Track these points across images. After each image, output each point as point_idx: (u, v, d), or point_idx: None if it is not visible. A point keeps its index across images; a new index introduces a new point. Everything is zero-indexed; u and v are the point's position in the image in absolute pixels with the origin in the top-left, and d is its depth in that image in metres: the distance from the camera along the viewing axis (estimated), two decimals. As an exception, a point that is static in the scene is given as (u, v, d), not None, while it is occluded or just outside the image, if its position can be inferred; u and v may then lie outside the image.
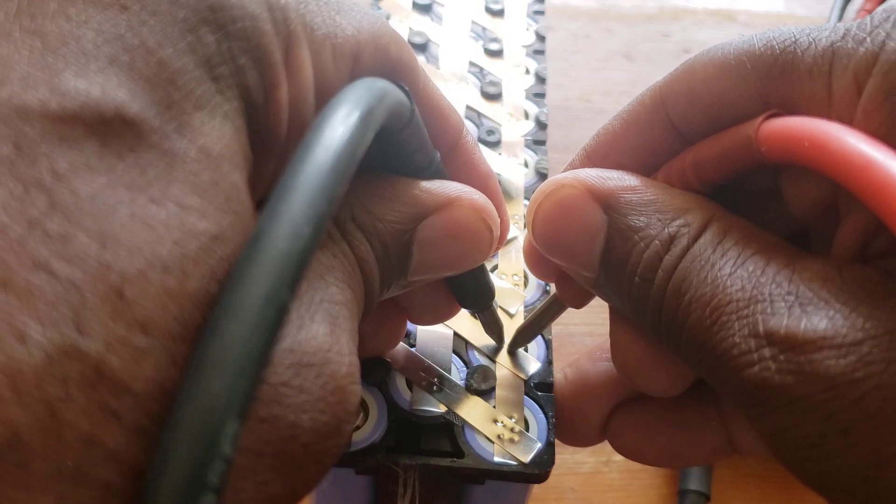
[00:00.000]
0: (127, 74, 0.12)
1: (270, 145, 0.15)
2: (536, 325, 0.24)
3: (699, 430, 0.22)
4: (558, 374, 0.24)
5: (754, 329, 0.15)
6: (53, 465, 0.10)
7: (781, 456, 0.16)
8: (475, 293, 0.22)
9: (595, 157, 0.20)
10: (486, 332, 0.24)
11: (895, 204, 0.13)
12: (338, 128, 0.13)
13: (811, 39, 0.16)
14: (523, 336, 0.24)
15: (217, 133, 0.13)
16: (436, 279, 0.20)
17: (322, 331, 0.14)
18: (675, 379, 0.20)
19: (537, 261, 0.22)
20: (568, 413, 0.23)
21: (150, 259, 0.11)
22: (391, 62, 0.18)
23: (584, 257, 0.19)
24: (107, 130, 0.11)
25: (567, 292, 0.22)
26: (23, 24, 0.12)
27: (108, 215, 0.11)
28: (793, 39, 0.17)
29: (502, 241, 0.22)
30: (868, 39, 0.15)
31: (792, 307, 0.15)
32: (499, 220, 0.19)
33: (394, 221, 0.17)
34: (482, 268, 0.22)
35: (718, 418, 0.21)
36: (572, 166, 0.21)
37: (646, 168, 0.19)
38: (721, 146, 0.18)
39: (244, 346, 0.11)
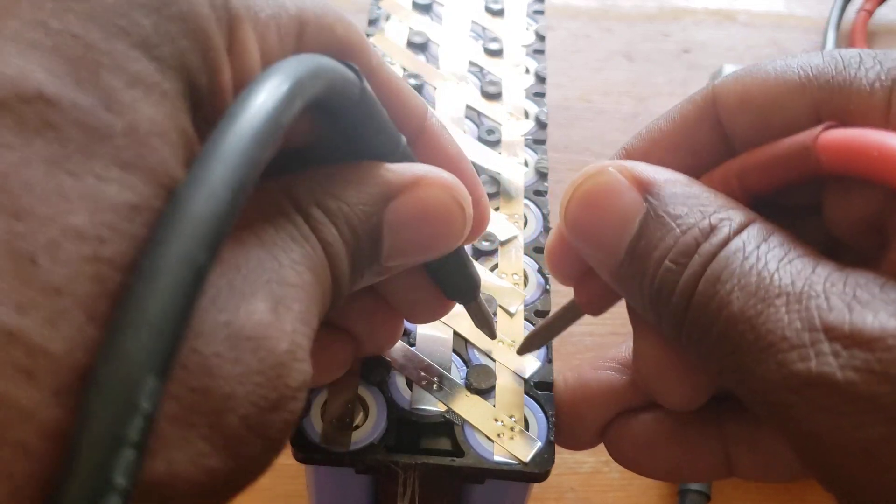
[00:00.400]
0: (48, 57, 0.12)
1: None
2: (550, 330, 0.23)
3: (698, 447, 0.21)
4: (558, 378, 0.24)
5: (810, 322, 0.15)
6: None
7: (825, 461, 0.15)
8: (459, 282, 0.22)
9: (635, 154, 0.20)
10: (475, 324, 0.24)
11: None
12: (260, 95, 0.14)
13: (877, 60, 0.17)
14: (535, 341, 0.24)
15: (150, 111, 0.13)
16: (415, 265, 0.20)
17: (263, 307, 0.14)
18: (694, 391, 0.20)
19: (560, 261, 0.21)
20: (566, 418, 0.23)
21: (64, 227, 0.11)
22: (337, 41, 0.18)
23: (613, 242, 0.18)
24: (25, 109, 0.12)
25: (586, 297, 0.22)
26: None
27: (24, 189, 0.11)
28: (859, 57, 0.17)
29: (481, 224, 0.22)
30: None
31: (851, 304, 0.14)
32: (470, 198, 0.19)
33: (360, 203, 0.17)
34: (462, 255, 0.22)
35: (718, 438, 0.21)
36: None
37: (689, 170, 0.19)
38: (774, 153, 0.18)
39: (158, 304, 0.11)
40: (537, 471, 0.22)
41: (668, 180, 0.18)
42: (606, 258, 0.19)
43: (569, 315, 0.23)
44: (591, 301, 0.22)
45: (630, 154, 0.20)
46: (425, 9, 0.34)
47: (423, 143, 0.21)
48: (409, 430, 0.23)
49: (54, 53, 0.12)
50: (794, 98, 0.17)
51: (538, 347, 0.24)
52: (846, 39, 0.56)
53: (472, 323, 0.24)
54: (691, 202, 0.18)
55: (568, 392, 0.23)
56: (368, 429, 0.22)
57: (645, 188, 0.18)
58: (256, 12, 0.16)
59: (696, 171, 0.19)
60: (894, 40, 0.58)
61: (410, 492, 0.22)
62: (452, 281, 0.22)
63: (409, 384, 0.24)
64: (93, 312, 0.11)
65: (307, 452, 0.22)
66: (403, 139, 0.19)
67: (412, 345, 0.24)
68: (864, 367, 0.14)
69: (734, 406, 0.21)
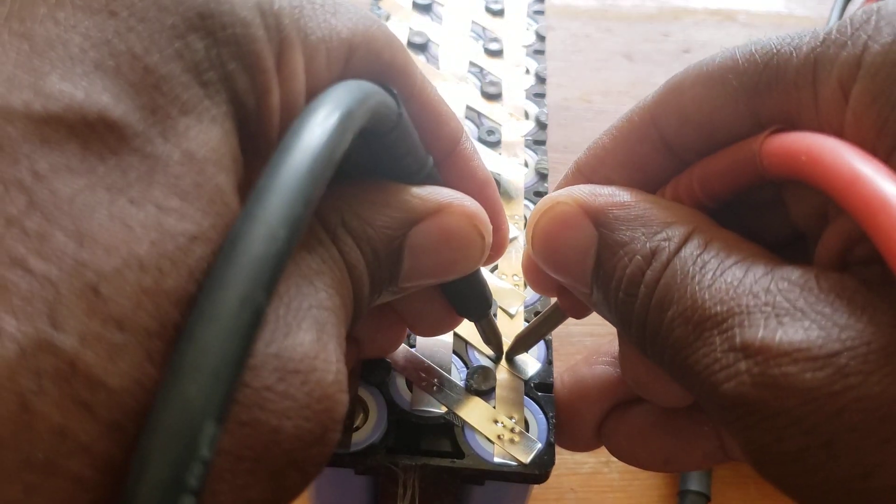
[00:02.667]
0: (112, 79, 0.12)
1: (263, 150, 0.15)
2: (536, 333, 0.24)
3: (691, 435, 0.21)
4: (557, 380, 0.24)
5: (731, 343, 0.15)
6: (23, 456, 0.10)
7: (764, 471, 0.15)
8: (471, 301, 0.22)
9: (586, 170, 0.20)
10: (484, 341, 0.24)
11: (878, 215, 0.13)
12: (315, 130, 0.13)
13: (792, 48, 0.16)
14: (523, 344, 0.24)
15: (203, 137, 0.13)
16: (429, 286, 0.20)
17: (309, 338, 0.14)
18: (681, 392, 0.20)
19: (536, 276, 0.22)
20: (565, 417, 0.23)
21: (127, 257, 0.11)
22: (383, 65, 0.18)
23: (579, 273, 0.19)
24: (89, 133, 0.12)
25: (568, 303, 0.22)
26: (12, 28, 0.12)
27: (87, 215, 0.11)
28: (774, 51, 0.17)
29: (500, 249, 0.22)
30: (849, 43, 0.15)
31: (768, 318, 0.15)
32: (491, 227, 0.19)
33: (384, 227, 0.17)
34: (477, 275, 0.22)
35: (710, 424, 0.21)
36: (565, 180, 0.21)
37: (637, 183, 0.19)
38: (726, 163, 0.18)
39: (219, 349, 0.11)
40: (537, 472, 0.22)
41: (614, 203, 0.18)
42: (578, 286, 0.19)
43: (554, 318, 0.23)
44: (573, 307, 0.22)
45: (581, 169, 0.20)
46: (425, 9, 0.34)
47: (452, 164, 0.21)
48: (410, 431, 0.23)
49: (117, 76, 0.12)
50: (728, 108, 0.17)
51: (526, 350, 0.24)
52: (846, 40, 0.56)
53: (472, 324, 0.24)
54: (635, 224, 0.18)
55: (565, 391, 0.23)
56: (369, 430, 0.22)
57: (594, 216, 0.18)
58: (307, 35, 0.16)
59: (649, 182, 0.19)
60: (894, 40, 0.58)
61: (410, 493, 0.22)
62: (465, 299, 0.22)
63: (410, 385, 0.23)
64: (150, 348, 0.11)
65: (307, 454, 0.22)
66: (430, 161, 0.19)
67: (412, 346, 0.24)
68: (773, 383, 0.14)
69: None
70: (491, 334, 0.24)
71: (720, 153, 0.18)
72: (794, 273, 0.15)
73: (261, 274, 0.12)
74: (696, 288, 0.16)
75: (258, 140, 0.15)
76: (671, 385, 0.20)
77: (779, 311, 0.15)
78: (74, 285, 0.11)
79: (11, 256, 0.11)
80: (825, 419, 0.14)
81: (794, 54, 0.16)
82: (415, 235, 0.18)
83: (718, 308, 0.15)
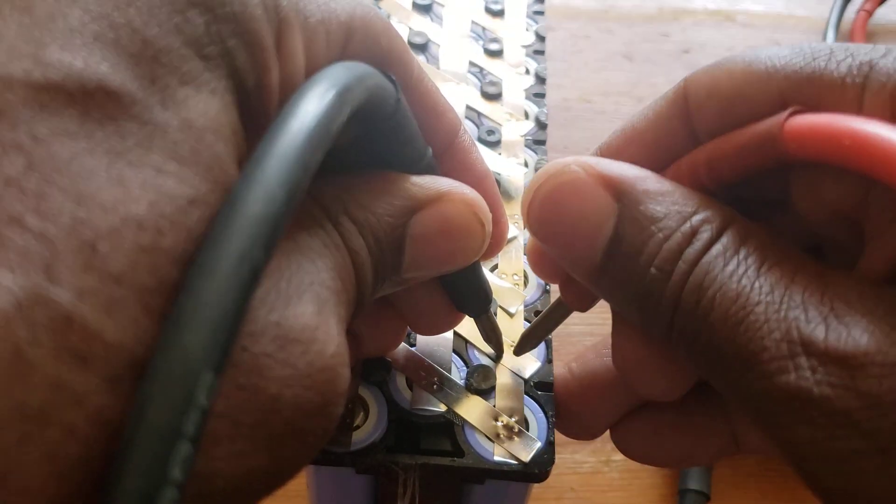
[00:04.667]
0: (111, 50, 0.12)
1: (263, 127, 0.15)
2: (542, 329, 0.24)
3: (706, 431, 0.21)
4: (561, 369, 0.24)
5: (788, 334, 0.15)
6: (16, 404, 0.10)
7: (804, 466, 0.15)
8: (471, 296, 0.22)
9: (608, 153, 0.20)
10: (485, 339, 0.24)
11: None
12: (313, 100, 0.14)
13: (849, 53, 0.16)
14: (529, 341, 0.24)
15: (202, 107, 0.13)
16: (431, 277, 0.20)
17: (310, 310, 0.14)
18: (674, 383, 0.20)
19: (540, 259, 0.21)
20: (575, 408, 0.23)
21: (125, 216, 0.12)
22: (381, 51, 0.18)
23: (587, 247, 0.18)
24: (88, 101, 0.12)
25: (571, 295, 0.21)
26: (14, 2, 0.12)
27: (85, 176, 0.11)
28: (829, 50, 0.17)
29: (499, 242, 0.22)
30: None
31: (828, 318, 0.15)
32: (491, 216, 0.19)
33: (386, 215, 0.17)
34: (477, 269, 0.22)
35: (723, 418, 0.21)
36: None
37: (655, 167, 0.19)
38: (740, 141, 0.17)
39: (217, 302, 0.11)
40: (537, 471, 0.22)
41: (638, 177, 0.18)
42: (579, 261, 0.18)
43: (558, 313, 0.23)
44: (577, 298, 0.21)
45: (604, 153, 0.20)
46: (425, 9, 0.34)
47: (450, 157, 0.21)
48: (410, 430, 0.23)
49: (116, 47, 0.13)
50: (760, 87, 0.17)
51: (534, 346, 0.24)
52: (846, 40, 0.56)
53: (472, 322, 0.24)
54: (667, 202, 0.17)
55: (575, 382, 0.23)
56: (369, 429, 0.22)
57: (614, 187, 0.17)
58: (306, 17, 0.16)
59: (664, 167, 0.19)
60: (894, 40, 0.58)
61: (410, 492, 0.22)
62: (465, 294, 0.22)
63: (410, 384, 0.24)
64: (148, 304, 0.12)
65: (307, 452, 0.22)
66: (430, 151, 0.19)
67: (413, 345, 0.24)
68: (839, 384, 0.14)
69: None
70: (491, 332, 0.24)
71: (737, 131, 0.17)
72: (845, 279, 0.15)
73: (259, 231, 0.12)
74: (744, 273, 0.16)
75: (258, 118, 0.15)
76: (661, 376, 0.19)
77: (838, 312, 0.15)
78: (71, 242, 0.11)
79: (9, 214, 0.11)
80: (888, 426, 0.14)
81: (850, 57, 0.16)
82: (416, 224, 0.18)
83: (770, 297, 0.15)
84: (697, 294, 0.16)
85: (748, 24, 0.59)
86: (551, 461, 0.22)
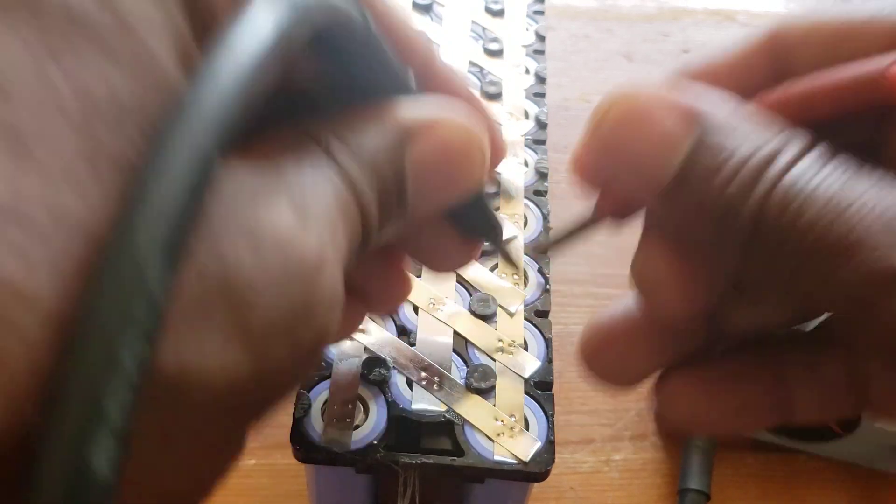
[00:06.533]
0: None
1: (211, 31, 0.15)
2: (570, 236, 0.23)
3: (755, 394, 0.21)
4: (583, 328, 0.23)
5: (887, 226, 0.15)
6: None
7: None
8: (481, 223, 0.22)
9: (686, 76, 0.19)
10: (503, 257, 0.25)
11: None
12: (271, 8, 0.13)
13: None
14: (553, 244, 0.22)
15: (142, 7, 0.13)
16: (438, 211, 0.19)
17: (287, 214, 0.14)
18: (690, 299, 0.19)
19: (585, 165, 0.20)
20: (604, 350, 0.21)
21: (54, 114, 0.11)
22: None
23: (656, 166, 0.17)
24: (8, 3, 0.12)
25: (609, 204, 0.20)
26: None
27: (10, 74, 0.11)
28: None
29: (499, 153, 0.22)
30: None
31: None
32: (487, 132, 0.19)
33: (381, 149, 0.17)
34: (483, 199, 0.22)
35: (775, 380, 0.20)
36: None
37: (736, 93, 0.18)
38: (840, 79, 0.17)
39: (164, 183, 0.11)
40: (537, 470, 0.22)
41: (717, 103, 0.17)
42: (647, 182, 0.18)
43: (589, 223, 0.22)
44: (616, 207, 0.20)
45: (681, 76, 0.19)
46: (425, 9, 0.34)
47: (430, 81, 0.20)
48: (410, 429, 0.23)
49: None
50: (866, 30, 0.17)
51: (556, 249, 0.23)
52: (846, 39, 0.56)
53: (472, 322, 0.24)
54: (747, 127, 0.17)
55: (599, 325, 0.21)
56: (369, 428, 0.22)
57: (691, 112, 0.17)
58: None
59: (746, 95, 0.19)
60: (894, 40, 0.58)
61: (411, 491, 0.22)
62: (475, 222, 0.22)
63: (410, 384, 0.24)
64: (87, 193, 0.11)
65: (307, 452, 0.22)
66: (412, 76, 0.19)
67: (412, 345, 0.24)
68: None
69: (790, 347, 0.20)
70: (504, 252, 0.24)
71: (838, 67, 0.17)
72: None
73: (208, 118, 0.11)
74: (834, 182, 0.16)
75: (209, 32, 0.14)
76: (679, 290, 0.19)
77: None
78: (2, 138, 0.11)
79: None
80: None
81: None
82: (415, 154, 0.17)
83: (866, 197, 0.15)
84: (783, 202, 0.16)
85: (748, 23, 0.59)
86: (551, 461, 0.22)
